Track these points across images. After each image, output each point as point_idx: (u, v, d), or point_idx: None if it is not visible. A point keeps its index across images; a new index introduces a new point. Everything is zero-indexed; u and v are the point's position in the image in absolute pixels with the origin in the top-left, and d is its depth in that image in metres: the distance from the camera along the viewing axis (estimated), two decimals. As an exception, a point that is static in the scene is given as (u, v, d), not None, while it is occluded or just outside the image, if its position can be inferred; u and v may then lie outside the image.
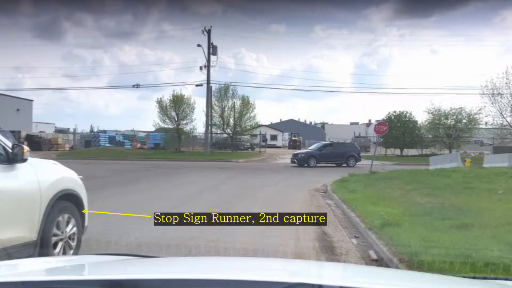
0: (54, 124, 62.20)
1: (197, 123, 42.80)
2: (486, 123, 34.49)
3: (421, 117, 77.97)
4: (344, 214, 9.12)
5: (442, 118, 37.56)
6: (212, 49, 36.32)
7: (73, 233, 4.99)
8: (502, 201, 8.70)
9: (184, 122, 38.64)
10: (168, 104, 38.06)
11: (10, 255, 4.06)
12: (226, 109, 38.47)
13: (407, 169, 17.84)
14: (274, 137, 60.00)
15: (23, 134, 40.66)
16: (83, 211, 5.29)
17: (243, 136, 41.99)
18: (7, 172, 4.10)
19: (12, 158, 4.11)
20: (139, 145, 46.18)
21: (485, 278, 2.43)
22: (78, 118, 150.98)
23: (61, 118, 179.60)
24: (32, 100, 49.21)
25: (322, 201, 11.23)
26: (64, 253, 4.75)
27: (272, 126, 69.82)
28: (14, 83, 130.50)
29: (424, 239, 5.61)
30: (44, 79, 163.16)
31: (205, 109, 37.53)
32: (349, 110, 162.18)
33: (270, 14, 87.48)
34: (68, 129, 58.80)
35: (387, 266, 5.18)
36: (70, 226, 4.92)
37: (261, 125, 49.84)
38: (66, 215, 4.84)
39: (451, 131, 36.97)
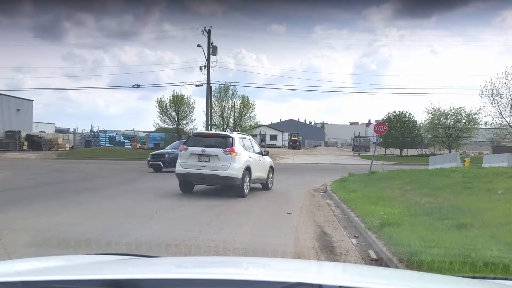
0: (54, 124, 62.25)
1: (197, 123, 42.87)
2: (485, 123, 34.51)
3: (420, 117, 78.08)
4: (344, 214, 9.12)
5: (442, 118, 37.58)
6: (212, 49, 36.29)
7: (272, 177, 13.84)
8: (502, 201, 8.69)
9: (184, 122, 38.76)
10: (168, 104, 38.14)
11: (263, 185, 13.31)
12: (226, 109, 38.54)
13: (406, 169, 17.85)
14: (274, 137, 60.01)
15: (23, 134, 40.61)
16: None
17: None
18: (263, 158, 13.25)
19: (263, 155, 13.39)
20: (139, 145, 46.17)
21: (484, 277, 2.43)
22: (78, 118, 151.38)
23: (62, 118, 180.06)
24: (32, 100, 49.22)
25: (321, 201, 11.24)
26: (267, 188, 13.46)
27: (272, 126, 69.86)
28: (15, 83, 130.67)
29: (424, 239, 5.60)
30: (44, 79, 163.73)
31: (205, 109, 37.54)
32: (349, 110, 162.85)
33: (271, 15, 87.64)
34: (68, 129, 58.84)
35: (386, 266, 5.18)
36: (271, 175, 13.70)
37: (261, 125, 49.92)
38: (272, 172, 13.80)
39: (450, 131, 36.98)
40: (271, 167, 13.67)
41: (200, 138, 11.91)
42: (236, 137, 11.74)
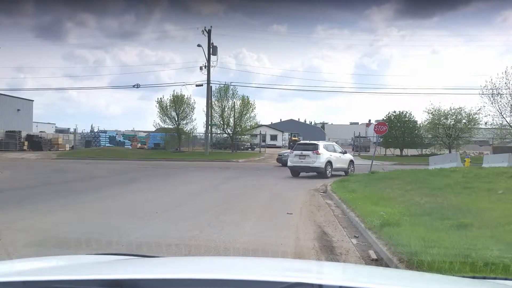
0: (54, 124, 62.25)
1: (197, 123, 42.90)
2: (485, 123, 34.45)
3: (421, 117, 78.02)
4: (344, 214, 9.12)
5: (442, 118, 37.52)
6: (212, 49, 36.31)
7: (352, 168, 19.98)
8: (502, 201, 8.69)
9: (184, 122, 38.64)
10: (168, 104, 38.06)
11: (345, 172, 19.38)
12: (226, 109, 38.46)
13: (406, 169, 17.83)
14: (274, 137, 59.94)
15: (23, 134, 40.58)
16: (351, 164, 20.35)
17: (243, 136, 41.97)
18: (343, 155, 19.86)
19: (344, 153, 20.11)
20: (139, 145, 46.18)
21: (484, 278, 2.43)
22: (79, 118, 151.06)
23: (62, 118, 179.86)
24: (32, 100, 49.22)
25: (322, 201, 11.23)
26: (347, 173, 19.23)
27: (272, 126, 69.80)
28: (16, 83, 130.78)
29: (424, 239, 5.60)
30: (45, 79, 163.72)
31: (205, 109, 37.53)
32: (349, 110, 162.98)
33: (272, 15, 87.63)
34: (69, 129, 58.82)
35: (386, 266, 5.19)
36: (351, 166, 19.94)
37: (261, 125, 49.80)
38: (351, 166, 19.98)
39: (450, 131, 36.95)
40: (351, 161, 20.35)
41: (300, 145, 19.87)
42: (321, 144, 19.22)
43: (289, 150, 28.00)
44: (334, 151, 19.48)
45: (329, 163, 18.37)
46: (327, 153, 18.55)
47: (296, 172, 18.95)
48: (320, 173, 18.09)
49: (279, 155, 27.64)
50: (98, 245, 5.97)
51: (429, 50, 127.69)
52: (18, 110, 45.02)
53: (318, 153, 18.09)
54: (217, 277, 1.63)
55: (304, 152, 18.40)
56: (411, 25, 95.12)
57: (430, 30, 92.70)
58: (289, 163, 19.10)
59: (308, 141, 23.39)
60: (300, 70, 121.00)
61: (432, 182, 12.06)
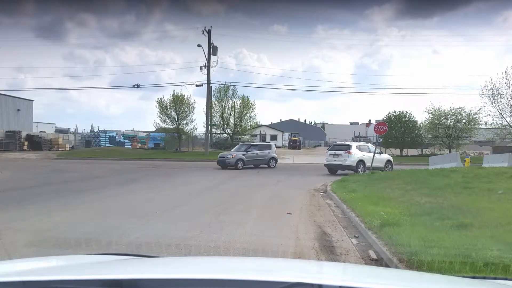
0: (54, 124, 62.19)
1: (197, 123, 42.92)
2: (485, 123, 34.45)
3: (421, 117, 78.00)
4: (344, 214, 9.12)
5: (442, 118, 37.53)
6: (212, 49, 36.32)
7: (389, 167, 21.65)
8: (502, 201, 8.69)
9: (185, 122, 38.69)
10: (168, 104, 38.10)
11: (381, 170, 19.63)
12: (226, 109, 38.50)
13: (406, 169, 17.84)
14: (274, 137, 59.89)
15: (23, 134, 40.59)
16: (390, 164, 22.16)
17: (243, 136, 41.98)
18: (381, 156, 21.55)
19: (380, 154, 21.46)
20: (139, 145, 46.23)
21: (484, 278, 2.43)
22: (79, 118, 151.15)
23: (62, 118, 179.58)
24: (32, 100, 49.19)
25: (322, 201, 11.23)
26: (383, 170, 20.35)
27: (272, 126, 69.81)
28: (16, 83, 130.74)
29: (424, 239, 5.60)
30: (45, 79, 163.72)
31: (205, 109, 37.54)
32: (349, 110, 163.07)
33: (272, 15, 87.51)
34: (69, 129, 58.77)
35: (386, 266, 5.18)
36: (389, 165, 21.77)
37: (261, 125, 49.88)
38: (389, 165, 21.71)
39: (450, 131, 36.95)
40: (388, 161, 22.12)
41: (335, 146, 22.18)
42: (353, 144, 21.84)
43: (232, 152, 24.75)
44: (369, 151, 20.70)
45: (361, 162, 20.12)
46: (359, 153, 20.37)
47: (332, 169, 20.96)
48: (352, 170, 19.69)
49: (220, 157, 24.14)
50: (98, 245, 5.97)
51: (429, 50, 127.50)
52: (18, 110, 45.01)
53: (350, 153, 20.18)
54: (217, 277, 1.63)
55: (337, 152, 20.73)
56: (412, 25, 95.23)
57: (430, 30, 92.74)
58: (325, 162, 21.45)
59: (343, 142, 25.18)
60: (300, 70, 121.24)
61: (432, 182, 12.06)
